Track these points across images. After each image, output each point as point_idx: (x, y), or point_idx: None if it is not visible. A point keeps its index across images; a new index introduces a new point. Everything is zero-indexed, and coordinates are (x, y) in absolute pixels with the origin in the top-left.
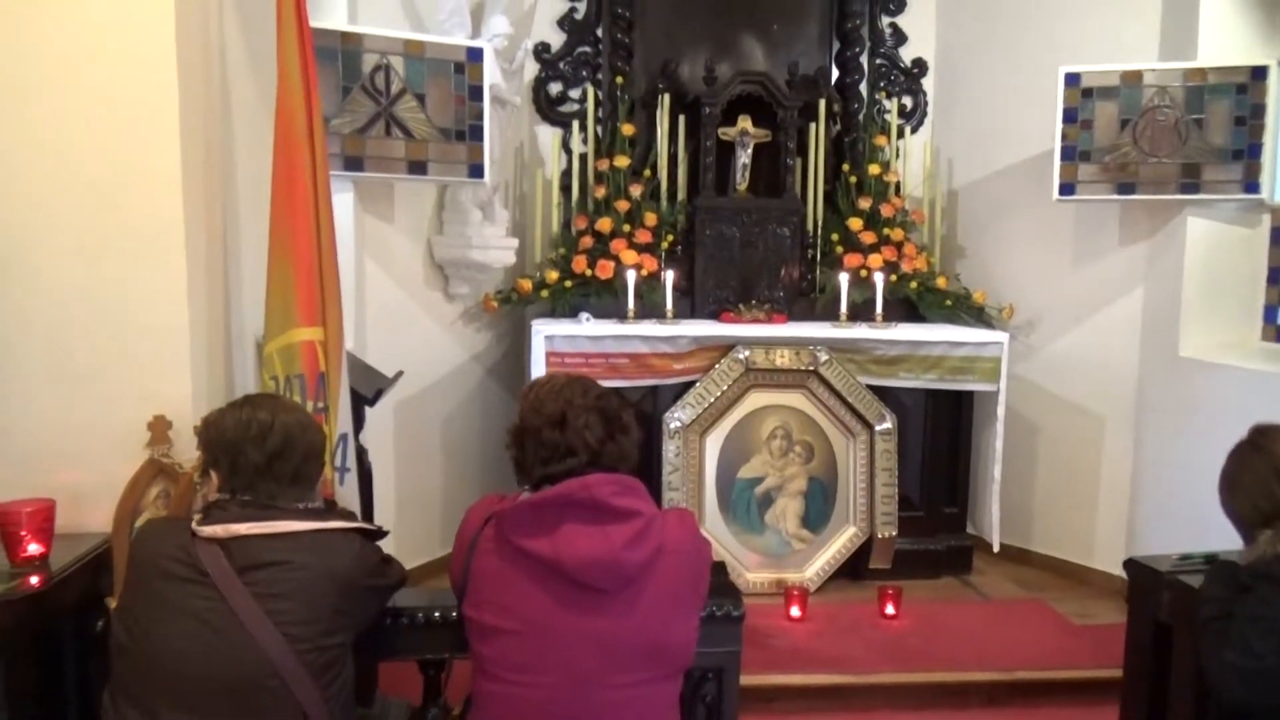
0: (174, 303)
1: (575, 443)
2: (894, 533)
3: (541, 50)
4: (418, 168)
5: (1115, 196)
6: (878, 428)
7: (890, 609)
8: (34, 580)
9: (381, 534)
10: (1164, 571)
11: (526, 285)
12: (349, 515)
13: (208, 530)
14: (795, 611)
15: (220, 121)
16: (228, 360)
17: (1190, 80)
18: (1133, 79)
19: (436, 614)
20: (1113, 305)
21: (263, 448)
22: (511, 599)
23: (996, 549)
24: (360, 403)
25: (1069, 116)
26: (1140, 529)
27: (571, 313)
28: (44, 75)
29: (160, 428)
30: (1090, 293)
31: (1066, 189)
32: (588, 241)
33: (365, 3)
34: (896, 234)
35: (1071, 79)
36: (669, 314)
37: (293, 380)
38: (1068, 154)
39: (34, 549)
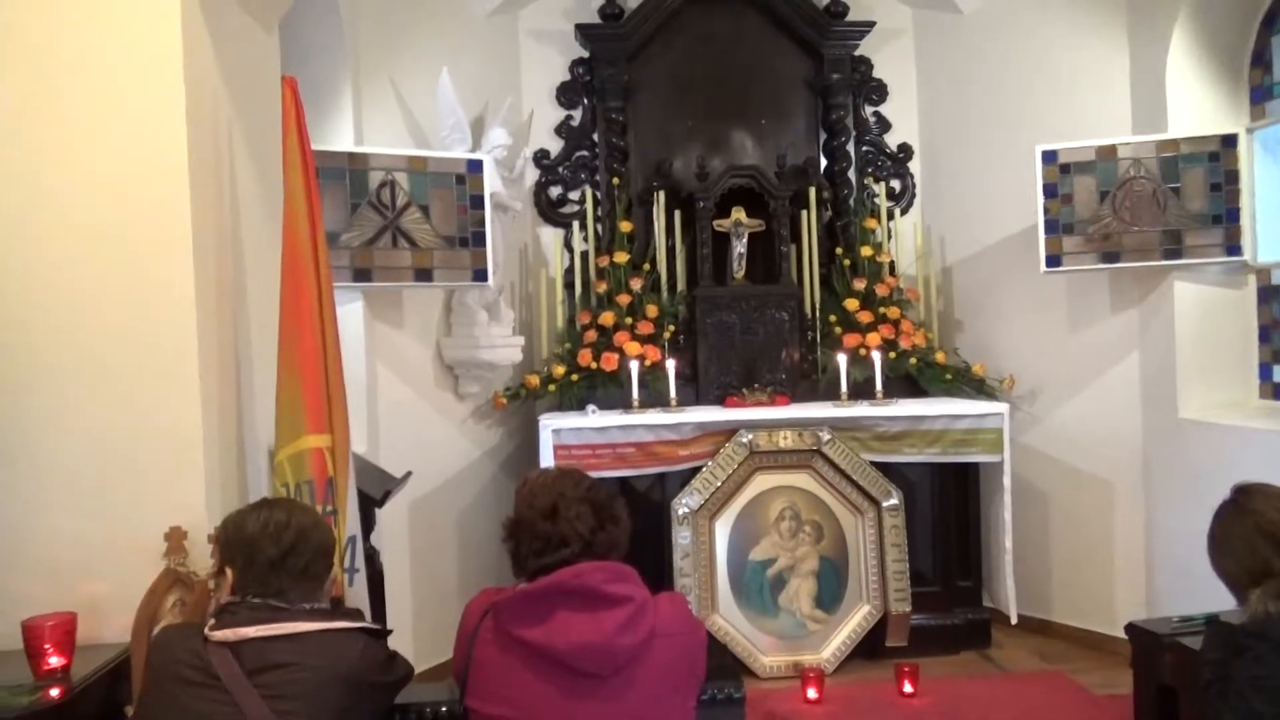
0: (188, 418)
1: (567, 533)
2: (908, 609)
3: (541, 157)
4: (424, 275)
5: (1101, 266)
6: (885, 504)
7: (909, 687)
8: (55, 692)
9: (386, 633)
10: (1164, 634)
11: (534, 381)
12: (355, 614)
13: (218, 635)
14: (812, 694)
15: (231, 242)
16: (241, 470)
17: (1164, 151)
18: (1107, 153)
19: (444, 708)
20: (1111, 371)
21: (278, 543)
22: (510, 688)
23: (1014, 620)
24: (369, 504)
25: (1049, 191)
26: (1158, 593)
27: (579, 405)
28: (64, 202)
29: (177, 538)
30: (1088, 360)
31: (1053, 260)
32: (592, 335)
33: (371, 124)
34: (893, 312)
35: (1048, 156)
36: (673, 402)
37: (302, 486)
38: (1051, 227)
39: (56, 661)
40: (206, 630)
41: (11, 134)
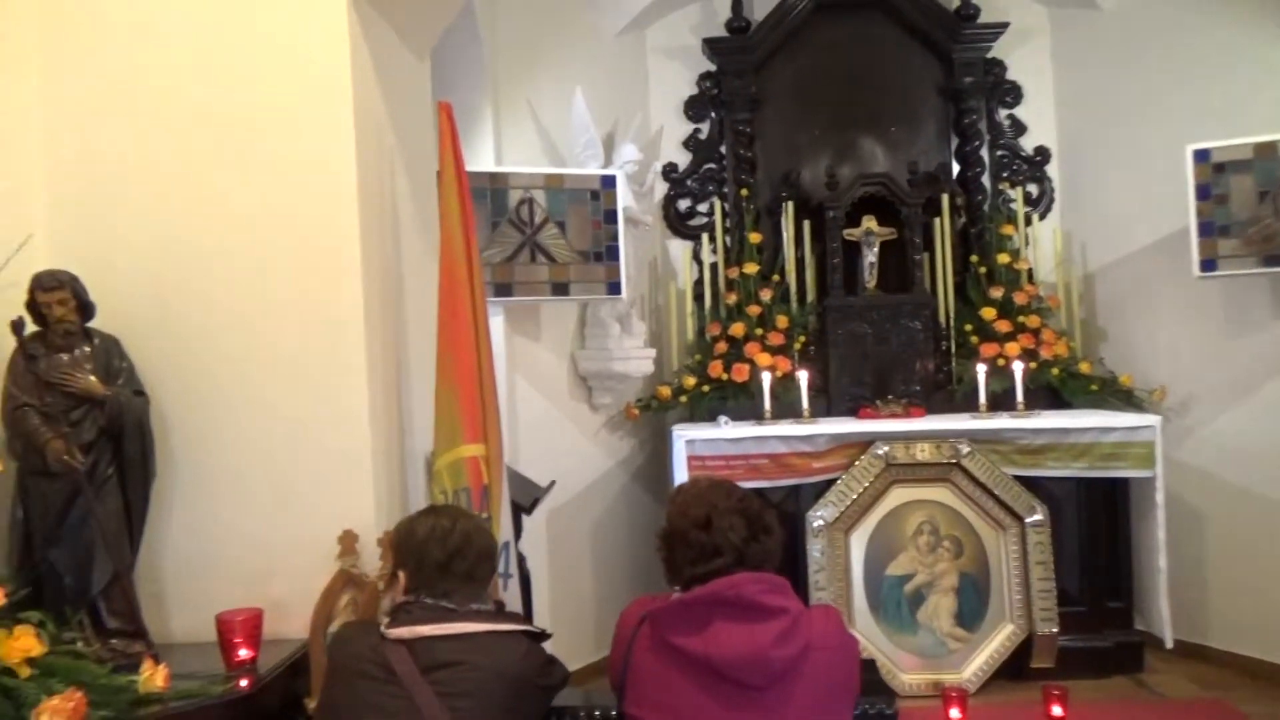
0: (358, 429)
1: (721, 543)
2: (1055, 629)
3: (670, 170)
4: (561, 289)
5: (1263, 269)
6: (1028, 520)
7: (1058, 710)
8: (244, 683)
9: (545, 636)
10: None
11: (665, 392)
12: (517, 617)
13: (395, 632)
14: (955, 714)
15: (394, 261)
16: (403, 478)
17: None
18: (1266, 151)
19: (597, 713)
20: (1273, 381)
21: (445, 547)
22: (669, 696)
23: (1170, 645)
24: (518, 512)
25: (1202, 193)
26: None
27: (710, 417)
28: (245, 227)
29: (349, 541)
30: (1246, 370)
31: (1208, 265)
32: (722, 347)
33: (509, 144)
34: (1033, 321)
35: (1201, 155)
36: (805, 413)
37: (460, 493)
38: (1205, 230)
39: (245, 654)
40: (383, 628)
41: (201, 165)
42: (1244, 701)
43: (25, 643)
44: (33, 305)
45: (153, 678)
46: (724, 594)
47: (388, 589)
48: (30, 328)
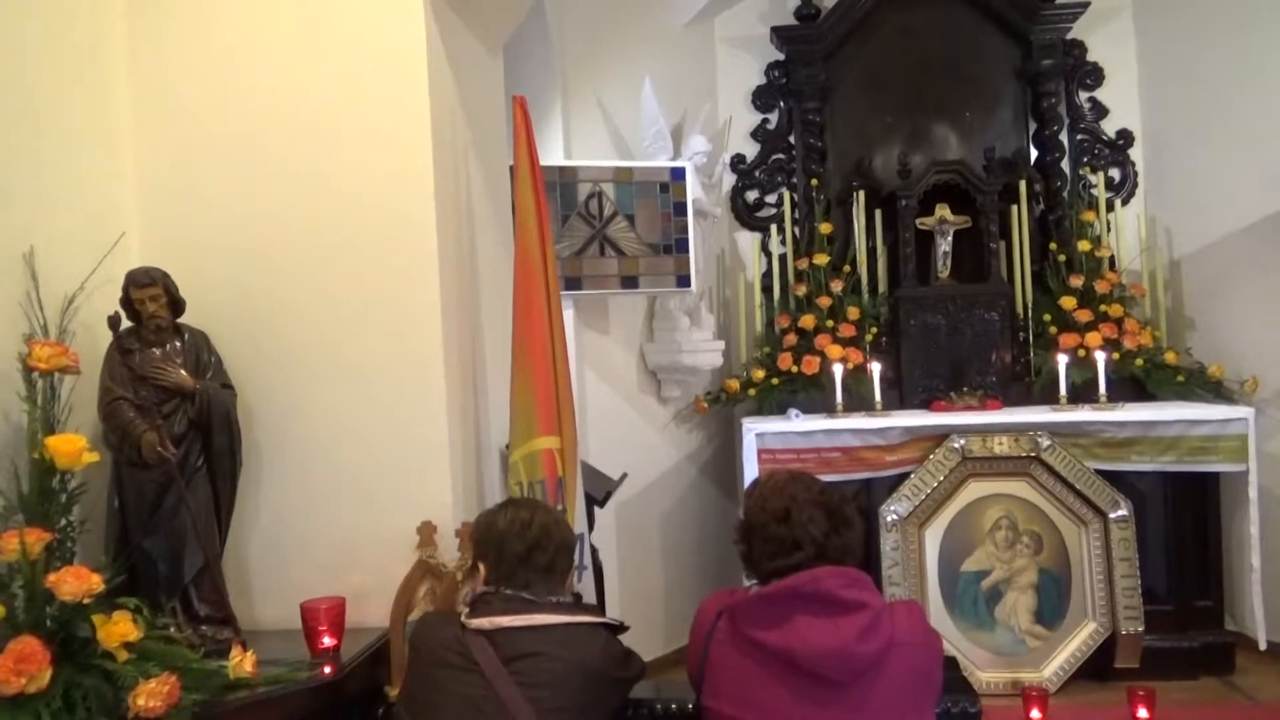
0: (436, 421)
1: (800, 537)
2: (1140, 628)
3: (738, 161)
4: (630, 282)
5: None
6: (1112, 515)
7: (1143, 713)
8: (327, 670)
9: (623, 629)
10: None
11: (734, 385)
12: (595, 610)
13: (475, 623)
14: (1036, 715)
15: (469, 255)
16: (480, 470)
17: None
18: None
19: (674, 705)
20: None
21: (524, 539)
22: (749, 690)
23: (1263, 646)
24: (591, 504)
25: None
26: None
27: (779, 410)
28: (325, 222)
29: (428, 532)
30: None
31: None
32: (792, 339)
33: (578, 138)
34: (1115, 310)
35: None
36: (878, 406)
37: (535, 485)
38: None
39: (328, 641)
40: (464, 619)
41: (282, 163)
42: None
43: (123, 628)
44: (127, 301)
45: (242, 663)
46: (804, 588)
47: (467, 580)
48: (125, 323)
